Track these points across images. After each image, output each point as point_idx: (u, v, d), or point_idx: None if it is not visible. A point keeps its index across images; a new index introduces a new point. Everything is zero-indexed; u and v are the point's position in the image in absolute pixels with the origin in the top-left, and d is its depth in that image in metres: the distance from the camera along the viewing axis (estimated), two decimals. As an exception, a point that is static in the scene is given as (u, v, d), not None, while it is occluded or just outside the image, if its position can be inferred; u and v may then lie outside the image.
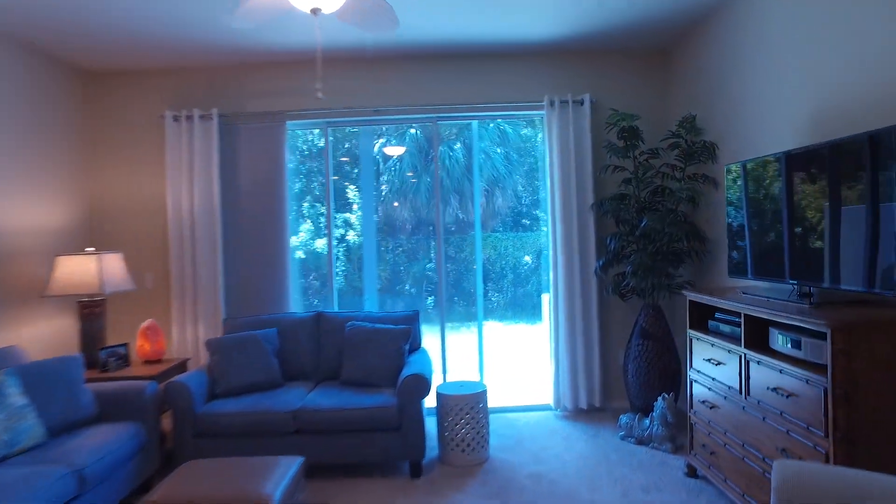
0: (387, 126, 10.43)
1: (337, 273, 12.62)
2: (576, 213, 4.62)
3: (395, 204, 12.46)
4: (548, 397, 4.89)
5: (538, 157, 4.60)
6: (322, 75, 4.75)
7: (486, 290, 13.60)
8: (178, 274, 4.61)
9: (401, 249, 13.82)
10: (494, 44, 4.54)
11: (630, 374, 4.25)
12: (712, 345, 3.13)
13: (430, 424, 4.41)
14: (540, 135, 4.80)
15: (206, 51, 4.39)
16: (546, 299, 4.81)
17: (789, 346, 2.52)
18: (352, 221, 12.05)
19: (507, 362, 7.67)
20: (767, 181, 2.94)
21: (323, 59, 4.73)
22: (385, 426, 3.56)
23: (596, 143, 4.69)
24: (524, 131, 13.96)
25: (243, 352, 3.97)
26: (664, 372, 4.12)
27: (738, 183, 3.18)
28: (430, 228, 13.64)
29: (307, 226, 11.55)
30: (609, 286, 4.38)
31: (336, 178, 13.38)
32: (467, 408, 3.78)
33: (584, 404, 4.68)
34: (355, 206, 11.90)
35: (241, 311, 4.71)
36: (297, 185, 12.62)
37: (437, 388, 3.95)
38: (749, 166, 3.08)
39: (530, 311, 12.87)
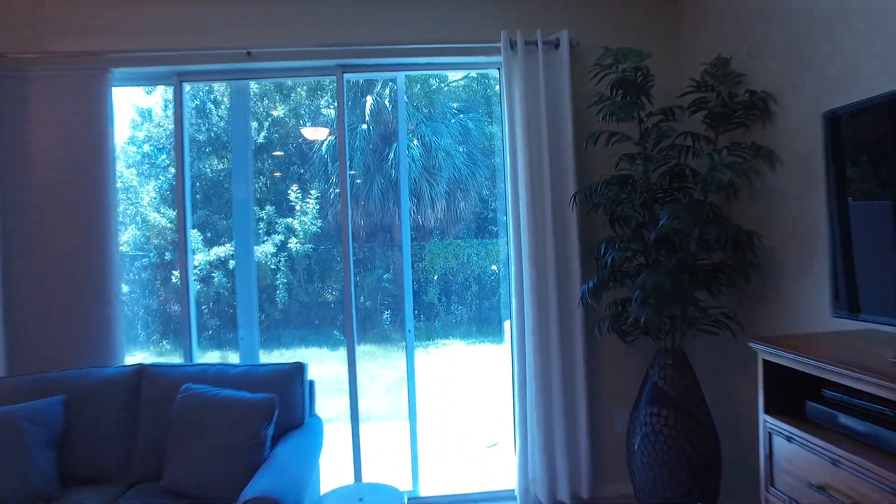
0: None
1: (278, 287, 10.87)
2: (550, 208, 3.00)
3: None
4: (511, 479, 3.24)
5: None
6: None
7: (450, 304, 12.07)
8: (-72, 305, 2.84)
9: (354, 259, 12.09)
10: (425, -50, 2.91)
11: (639, 459, 2.63)
12: (833, 462, 1.52)
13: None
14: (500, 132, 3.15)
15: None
16: (508, 328, 3.18)
17: None
18: (295, 227, 10.34)
19: (460, 409, 5.97)
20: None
21: (165, -27, 3.03)
22: None
23: (579, 102, 3.07)
24: (490, 129, 12.43)
25: (-13, 444, 2.23)
26: (695, 459, 2.50)
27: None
28: (388, 235, 12.00)
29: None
30: (604, 321, 2.75)
31: (279, 174, 11.63)
32: (366, 545, 2.11)
33: (564, 495, 3.04)
34: (297, 208, 10.18)
35: (37, 363, 2.94)
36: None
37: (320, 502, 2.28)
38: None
39: (496, 326, 11.30)
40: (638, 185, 2.68)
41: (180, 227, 3.18)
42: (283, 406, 2.47)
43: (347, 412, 3.14)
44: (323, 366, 7.17)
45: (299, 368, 2.64)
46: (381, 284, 11.40)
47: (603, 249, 2.69)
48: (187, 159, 3.21)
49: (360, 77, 3.22)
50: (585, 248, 3.02)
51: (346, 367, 3.10)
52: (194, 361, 3.11)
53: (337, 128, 3.20)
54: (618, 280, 2.72)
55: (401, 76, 3.32)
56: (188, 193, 3.19)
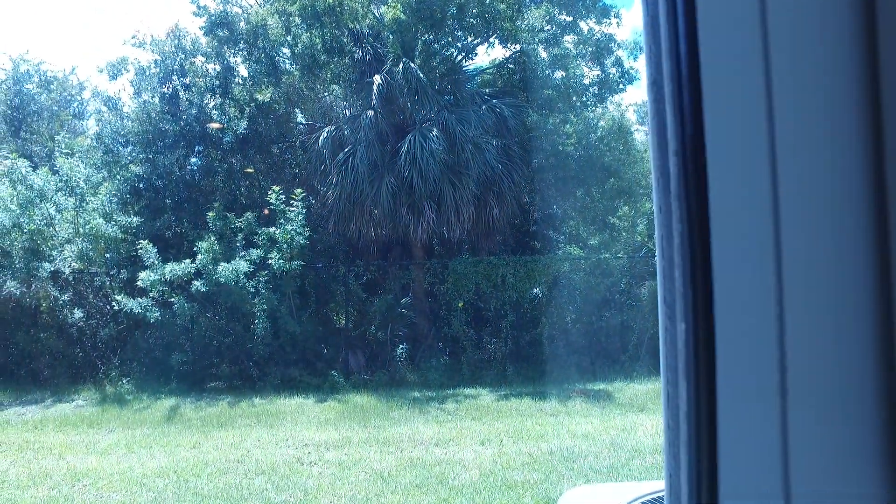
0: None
1: (257, 315, 8.12)
2: None
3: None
4: None
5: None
6: None
7: (480, 337, 9.02)
8: None
9: (364, 280, 9.20)
10: None
11: None
12: None
13: None
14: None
15: None
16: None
17: None
18: (277, 237, 7.46)
19: None
20: None
21: None
22: None
23: None
24: (531, 119, 9.34)
25: None
26: None
27: None
28: (405, 248, 9.07)
29: (208, 244, 6.98)
30: None
31: (250, 170, 8.87)
32: None
33: None
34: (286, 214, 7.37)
35: None
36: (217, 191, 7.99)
37: None
38: None
39: (539, 368, 8.24)
40: None
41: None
42: None
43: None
44: (270, 442, 4.29)
45: None
46: (396, 311, 8.48)
47: None
48: None
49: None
50: None
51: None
52: None
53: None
54: None
55: None
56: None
